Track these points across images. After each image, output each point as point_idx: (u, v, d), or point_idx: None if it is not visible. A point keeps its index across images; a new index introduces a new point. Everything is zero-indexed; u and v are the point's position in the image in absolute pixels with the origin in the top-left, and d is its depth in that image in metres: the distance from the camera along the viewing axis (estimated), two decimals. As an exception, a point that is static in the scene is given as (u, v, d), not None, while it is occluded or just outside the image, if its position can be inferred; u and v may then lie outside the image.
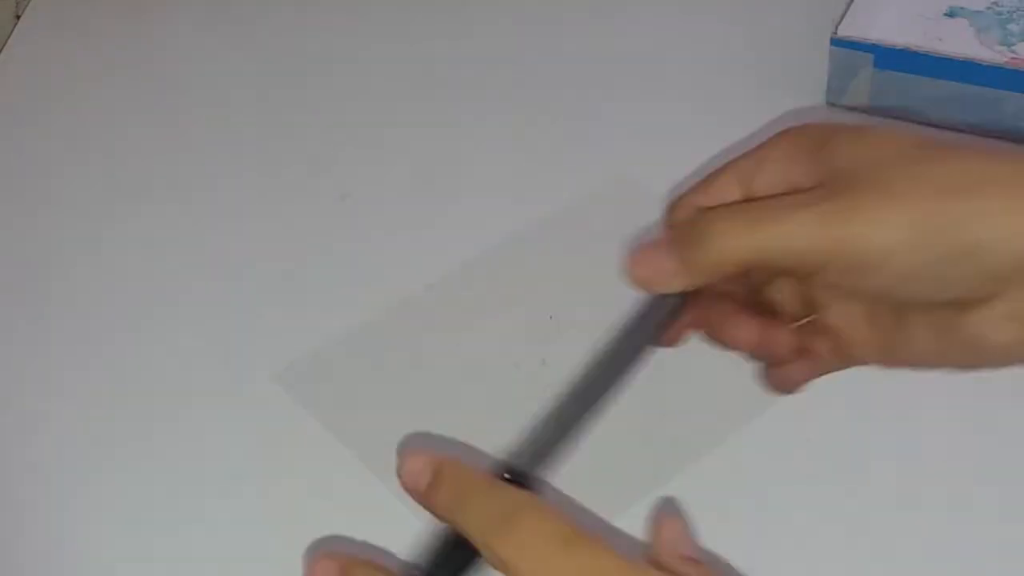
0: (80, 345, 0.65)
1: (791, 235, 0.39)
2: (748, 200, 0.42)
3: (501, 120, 0.77)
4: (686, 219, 0.42)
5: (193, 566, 0.55)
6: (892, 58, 0.71)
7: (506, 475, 0.41)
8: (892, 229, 0.38)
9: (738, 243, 0.40)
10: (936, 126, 0.72)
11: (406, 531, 0.53)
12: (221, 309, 0.67)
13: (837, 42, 0.72)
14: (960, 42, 0.74)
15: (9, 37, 0.87)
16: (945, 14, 0.76)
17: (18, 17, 0.88)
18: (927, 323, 0.40)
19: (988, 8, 0.76)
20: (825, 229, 0.39)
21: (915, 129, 0.72)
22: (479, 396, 0.60)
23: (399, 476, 0.41)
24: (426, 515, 0.40)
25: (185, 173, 0.76)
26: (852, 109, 0.74)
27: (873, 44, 0.71)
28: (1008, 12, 0.76)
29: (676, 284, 0.42)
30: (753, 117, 0.75)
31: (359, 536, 0.54)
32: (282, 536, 0.55)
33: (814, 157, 0.41)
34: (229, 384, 0.62)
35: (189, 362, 0.64)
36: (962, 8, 0.76)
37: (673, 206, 0.44)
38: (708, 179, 0.43)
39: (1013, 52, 0.73)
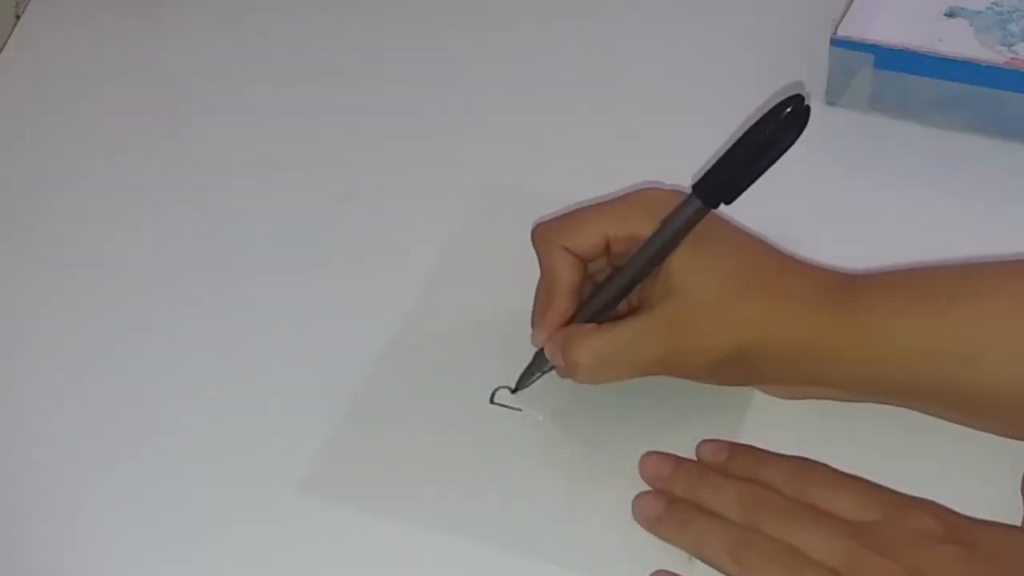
0: (74, 358, 0.65)
1: (639, 368, 0.56)
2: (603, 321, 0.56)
3: (501, 122, 0.77)
4: (560, 338, 0.56)
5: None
6: (892, 58, 0.71)
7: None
8: (704, 356, 0.54)
9: (603, 373, 0.56)
10: (936, 126, 0.72)
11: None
12: (221, 322, 0.67)
13: (837, 42, 0.72)
14: (960, 42, 0.73)
15: (9, 37, 0.87)
16: (945, 14, 0.76)
17: (18, 17, 0.88)
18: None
19: (988, 8, 0.76)
20: (661, 364, 0.55)
21: (911, 128, 0.72)
22: (490, 418, 0.60)
23: None
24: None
25: (186, 173, 0.76)
26: (852, 109, 0.74)
27: (873, 44, 0.71)
28: (1008, 12, 0.76)
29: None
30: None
31: None
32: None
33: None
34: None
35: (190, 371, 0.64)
36: (962, 8, 0.76)
37: (539, 236, 0.58)
38: (575, 223, 0.57)
39: (1013, 52, 0.73)
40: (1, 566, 0.57)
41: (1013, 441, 0.56)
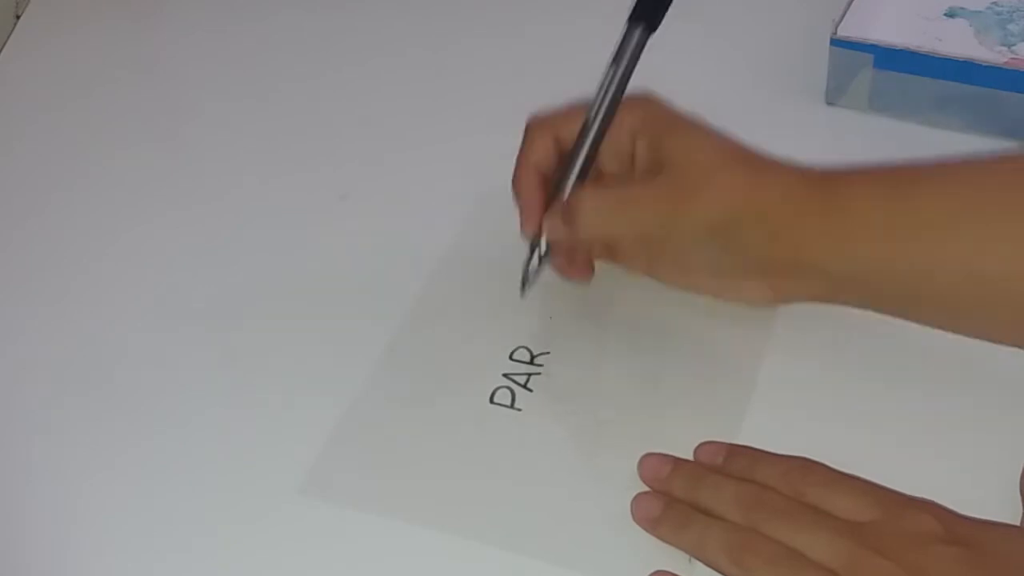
0: (74, 362, 0.65)
1: (638, 223, 0.58)
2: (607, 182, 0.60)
3: (502, 121, 0.77)
4: (569, 198, 0.59)
5: None
6: (892, 58, 0.71)
7: None
8: (697, 219, 0.56)
9: (604, 225, 0.59)
10: (936, 126, 0.72)
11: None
12: (221, 322, 0.67)
13: (837, 42, 0.72)
14: (960, 42, 0.74)
15: (9, 37, 0.87)
16: (945, 14, 0.76)
17: (18, 17, 0.88)
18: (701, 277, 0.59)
19: (988, 8, 0.76)
20: (661, 220, 0.57)
21: (911, 128, 0.72)
22: (490, 412, 0.60)
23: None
24: None
25: (186, 173, 0.76)
26: (852, 109, 0.74)
27: (873, 44, 0.71)
28: (1008, 12, 0.76)
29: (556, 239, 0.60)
30: (753, 117, 0.75)
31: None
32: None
33: (657, 142, 0.58)
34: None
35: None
36: (962, 8, 0.76)
37: (531, 122, 0.61)
38: (565, 111, 0.61)
39: (1013, 52, 0.73)
40: (1, 566, 0.57)
41: (1012, 441, 0.56)
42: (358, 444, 0.59)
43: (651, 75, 0.79)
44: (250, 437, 0.60)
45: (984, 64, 0.70)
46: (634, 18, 0.59)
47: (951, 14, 0.76)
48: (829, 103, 0.74)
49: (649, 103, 0.60)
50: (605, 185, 0.61)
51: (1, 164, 0.78)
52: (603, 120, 0.59)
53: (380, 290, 0.66)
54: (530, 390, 0.61)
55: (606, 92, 0.59)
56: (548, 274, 0.63)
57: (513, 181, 0.61)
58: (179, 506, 0.57)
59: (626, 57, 0.59)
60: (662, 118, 0.59)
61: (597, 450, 0.58)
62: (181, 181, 0.76)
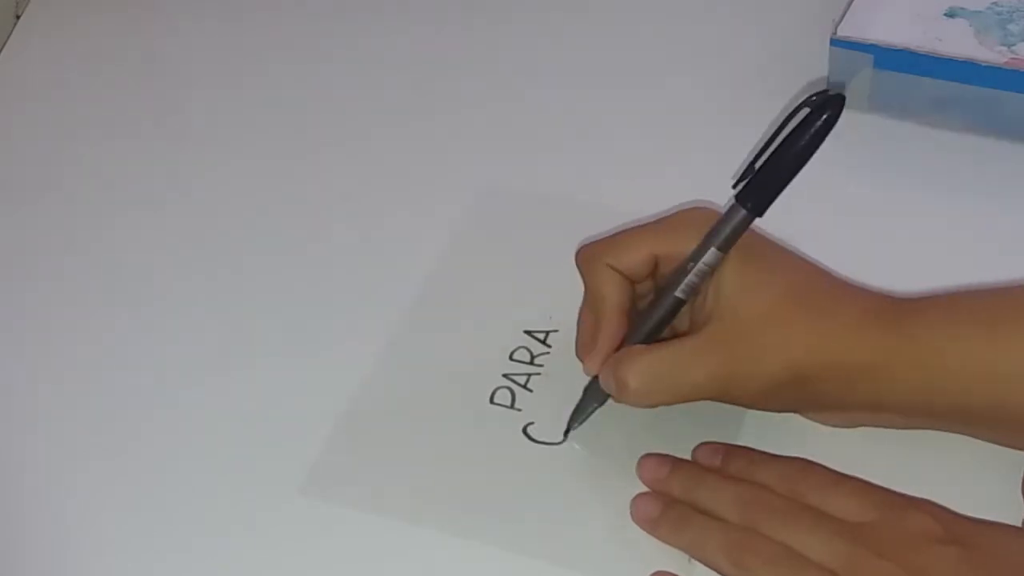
0: (74, 366, 0.65)
1: (693, 392, 0.54)
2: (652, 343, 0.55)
3: (502, 120, 0.77)
4: (611, 362, 0.55)
5: None
6: (892, 58, 0.71)
7: None
8: (757, 379, 0.53)
9: (655, 397, 0.54)
10: (936, 126, 0.72)
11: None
12: (221, 322, 0.67)
13: (837, 42, 0.72)
14: (960, 42, 0.73)
15: (9, 37, 0.87)
16: (945, 14, 0.76)
17: (18, 17, 0.88)
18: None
19: (988, 8, 0.76)
20: (716, 385, 0.53)
21: (911, 128, 0.72)
22: (489, 409, 0.60)
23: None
24: None
25: (186, 174, 0.76)
26: (852, 109, 0.74)
27: (873, 44, 0.71)
28: (1008, 12, 0.76)
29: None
30: (752, 118, 0.75)
31: None
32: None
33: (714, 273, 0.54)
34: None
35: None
36: (962, 8, 0.76)
37: (584, 256, 0.57)
38: (621, 242, 0.56)
39: (1013, 52, 0.73)
40: (1, 566, 0.57)
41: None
42: (358, 444, 0.59)
43: (652, 76, 0.79)
44: (250, 437, 0.60)
45: (984, 64, 0.70)
46: (742, 200, 0.53)
47: (951, 14, 0.76)
48: (829, 103, 0.74)
49: (703, 226, 0.55)
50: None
51: (0, 163, 0.78)
52: (684, 293, 0.54)
53: (380, 290, 0.66)
54: (530, 390, 0.61)
55: (701, 272, 0.54)
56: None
57: (592, 324, 0.57)
58: (179, 506, 0.57)
59: (722, 234, 0.53)
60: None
61: (596, 450, 0.58)
62: (181, 181, 0.76)
